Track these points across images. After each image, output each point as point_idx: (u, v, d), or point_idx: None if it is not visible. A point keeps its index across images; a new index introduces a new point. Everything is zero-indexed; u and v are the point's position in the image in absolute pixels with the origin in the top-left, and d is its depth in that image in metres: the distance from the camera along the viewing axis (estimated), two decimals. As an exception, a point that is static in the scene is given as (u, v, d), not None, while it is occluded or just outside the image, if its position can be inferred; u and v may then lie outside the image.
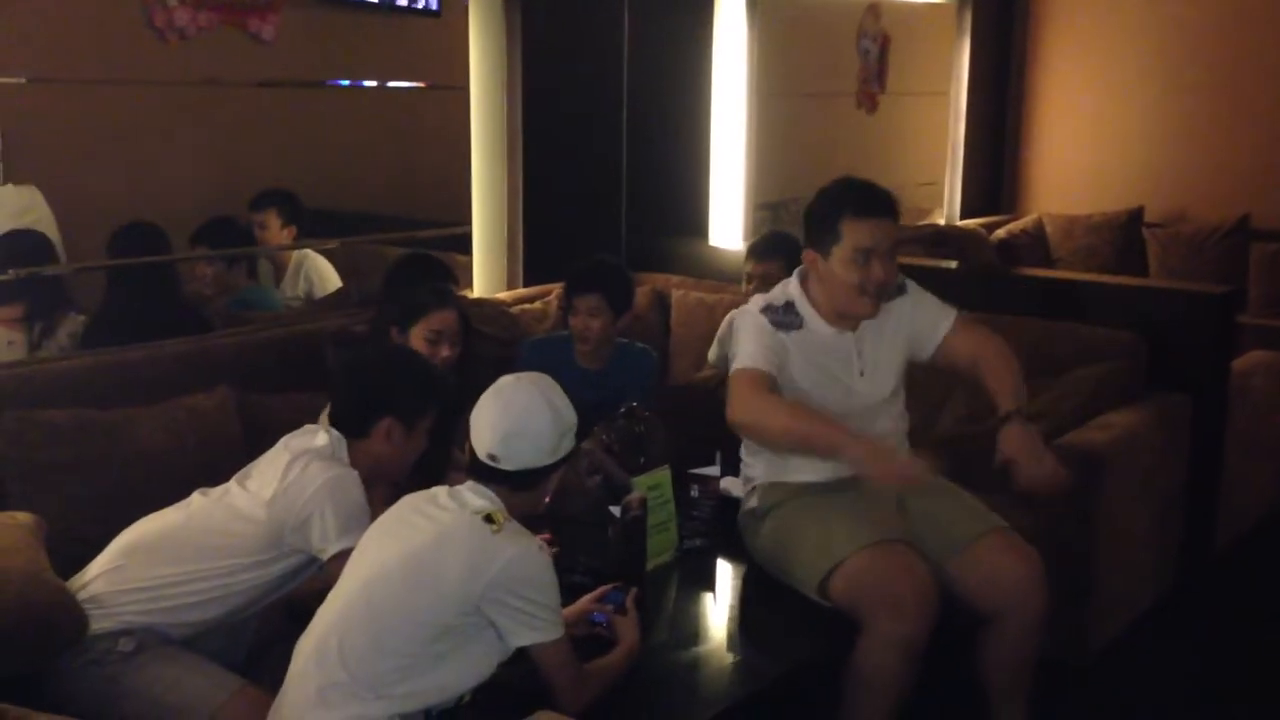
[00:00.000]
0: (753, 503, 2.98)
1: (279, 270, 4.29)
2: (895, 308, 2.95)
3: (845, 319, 2.91)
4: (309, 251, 4.29)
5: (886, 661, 2.55)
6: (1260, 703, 3.45)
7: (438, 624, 2.16)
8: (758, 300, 2.96)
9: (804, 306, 2.90)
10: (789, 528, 2.85)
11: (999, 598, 2.75)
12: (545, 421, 2.28)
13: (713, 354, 3.97)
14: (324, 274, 4.33)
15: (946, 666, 2.75)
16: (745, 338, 2.86)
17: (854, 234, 2.80)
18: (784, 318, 2.88)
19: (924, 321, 2.98)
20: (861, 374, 2.90)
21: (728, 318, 3.95)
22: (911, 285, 3.01)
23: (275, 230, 4.14)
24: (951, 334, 2.97)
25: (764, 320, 2.87)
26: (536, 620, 2.19)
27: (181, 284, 3.91)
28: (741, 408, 2.76)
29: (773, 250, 3.77)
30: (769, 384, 2.77)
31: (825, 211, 2.87)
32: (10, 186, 3.49)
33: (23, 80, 3.40)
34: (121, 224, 3.67)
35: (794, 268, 3.02)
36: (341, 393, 2.68)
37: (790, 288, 2.94)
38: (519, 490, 2.29)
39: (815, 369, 2.88)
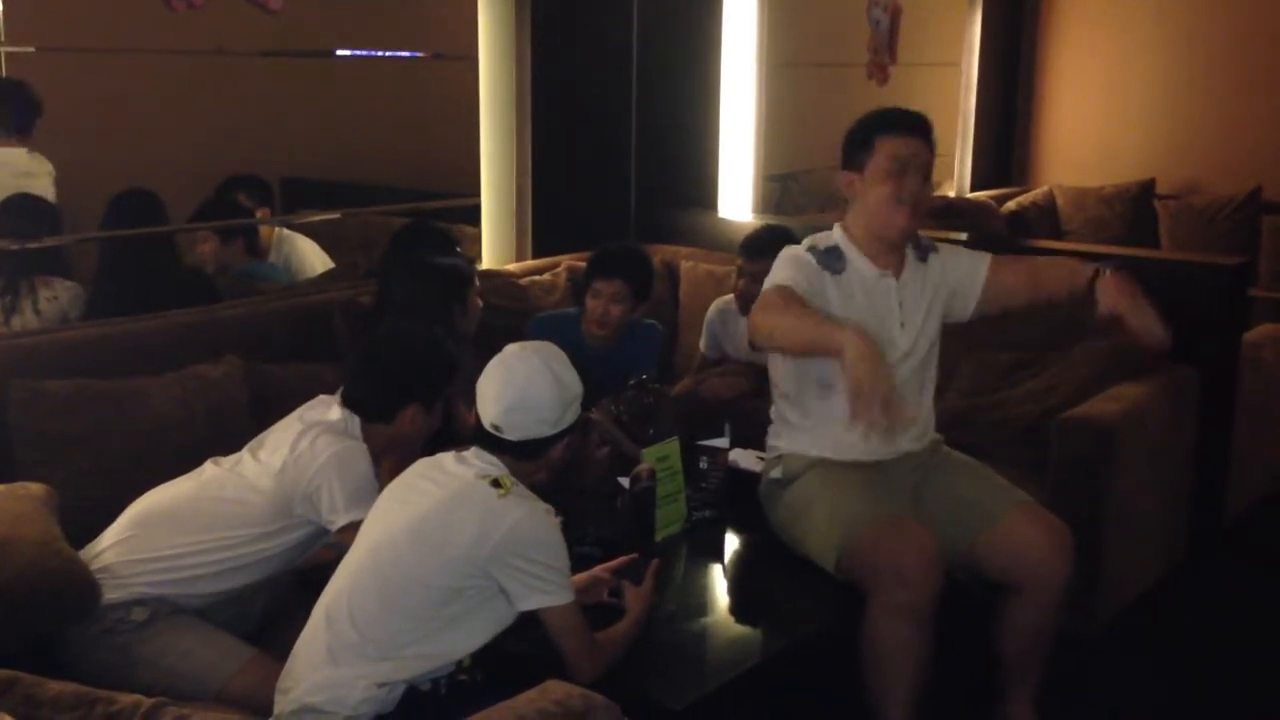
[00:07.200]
0: (775, 473, 2.98)
1: (260, 252, 4.23)
2: (930, 264, 2.97)
3: (887, 252, 2.90)
4: (288, 232, 4.26)
5: (894, 630, 2.56)
6: (1270, 676, 3.45)
7: (446, 587, 2.18)
8: (803, 245, 2.95)
9: (847, 247, 2.91)
10: (805, 501, 2.85)
11: (1027, 570, 2.76)
12: (548, 394, 2.28)
13: (703, 342, 3.98)
14: (304, 254, 4.29)
15: (963, 641, 2.75)
16: (783, 268, 2.85)
17: (887, 146, 2.86)
18: (829, 261, 2.88)
19: (960, 273, 2.98)
20: (902, 325, 2.90)
21: (714, 304, 3.95)
22: (941, 245, 3.03)
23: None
24: (993, 273, 2.97)
25: (810, 258, 2.88)
26: (544, 583, 2.20)
27: (181, 252, 3.89)
28: (761, 314, 2.75)
29: (767, 249, 3.51)
30: (796, 296, 2.74)
31: (862, 131, 2.92)
32: (22, 150, 3.52)
33: (32, 49, 3.40)
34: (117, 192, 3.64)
35: None
36: (365, 382, 2.66)
37: (834, 232, 2.96)
38: (523, 460, 2.31)
39: (856, 316, 2.83)
